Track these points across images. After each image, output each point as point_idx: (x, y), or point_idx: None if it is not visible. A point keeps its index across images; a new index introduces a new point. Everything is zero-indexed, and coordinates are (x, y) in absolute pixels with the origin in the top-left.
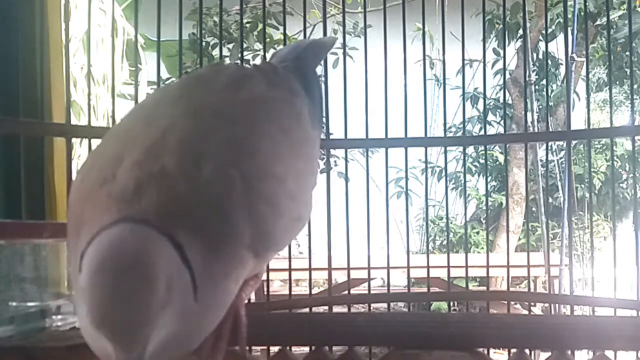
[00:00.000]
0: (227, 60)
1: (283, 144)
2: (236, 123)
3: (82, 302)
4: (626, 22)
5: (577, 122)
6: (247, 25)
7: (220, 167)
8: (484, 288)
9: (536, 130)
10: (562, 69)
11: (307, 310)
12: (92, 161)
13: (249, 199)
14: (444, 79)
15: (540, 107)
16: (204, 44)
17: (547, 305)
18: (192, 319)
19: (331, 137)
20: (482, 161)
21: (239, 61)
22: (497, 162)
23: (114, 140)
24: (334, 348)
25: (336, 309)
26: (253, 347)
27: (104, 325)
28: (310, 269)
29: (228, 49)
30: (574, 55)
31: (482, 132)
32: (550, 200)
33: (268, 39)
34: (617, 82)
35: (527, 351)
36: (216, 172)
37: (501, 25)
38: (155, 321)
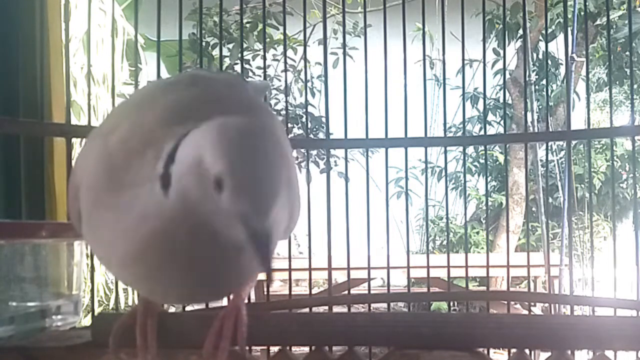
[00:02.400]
0: (227, 60)
1: (286, 142)
2: (255, 110)
3: (193, 177)
4: (626, 22)
5: (577, 122)
6: (247, 25)
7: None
8: (484, 288)
9: (536, 130)
10: (562, 69)
11: (307, 310)
12: (112, 126)
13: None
14: (444, 79)
15: (540, 107)
16: (204, 44)
17: (547, 305)
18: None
19: (331, 137)
20: (482, 161)
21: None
22: (497, 162)
23: (133, 106)
24: (334, 348)
25: (336, 309)
26: (253, 347)
27: (247, 187)
28: (310, 269)
29: (228, 49)
30: (574, 55)
31: (482, 132)
32: (550, 200)
33: (268, 39)
34: (617, 82)
35: (527, 351)
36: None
37: (501, 25)
38: (285, 195)
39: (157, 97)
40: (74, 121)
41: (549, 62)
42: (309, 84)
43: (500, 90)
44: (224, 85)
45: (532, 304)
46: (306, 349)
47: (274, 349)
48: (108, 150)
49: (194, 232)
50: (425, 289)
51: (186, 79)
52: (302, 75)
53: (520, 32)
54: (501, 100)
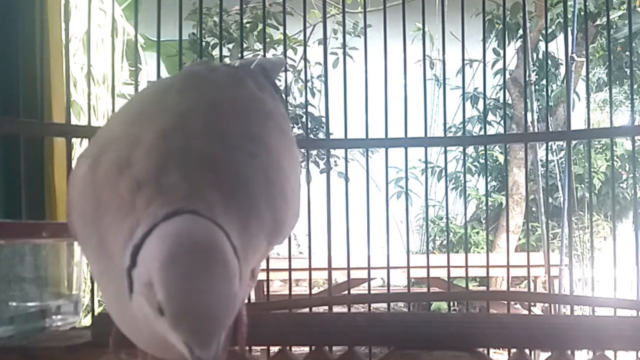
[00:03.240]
0: (227, 60)
1: (283, 143)
2: (248, 118)
3: (144, 296)
4: (626, 22)
5: (577, 122)
6: (247, 25)
7: (246, 158)
8: (484, 288)
9: (536, 130)
10: (562, 69)
11: (307, 310)
12: (103, 144)
13: (268, 190)
14: (444, 79)
15: (540, 107)
16: (204, 44)
17: (547, 305)
18: (237, 305)
19: (331, 137)
20: (482, 161)
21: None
22: (497, 162)
23: (124, 123)
24: (334, 348)
25: (336, 309)
26: (253, 347)
27: (186, 319)
28: (310, 269)
29: (228, 49)
30: (574, 55)
31: (482, 132)
32: (550, 200)
33: (268, 39)
34: (617, 82)
35: (527, 351)
36: (243, 162)
37: (501, 25)
38: (234, 312)
39: (148, 114)
40: (74, 121)
41: (549, 62)
42: (309, 84)
43: (500, 90)
44: (218, 86)
45: (532, 304)
46: (306, 349)
47: (274, 349)
48: (96, 176)
49: (154, 336)
50: (425, 289)
51: (179, 83)
52: (302, 75)
53: (520, 32)
54: (501, 100)
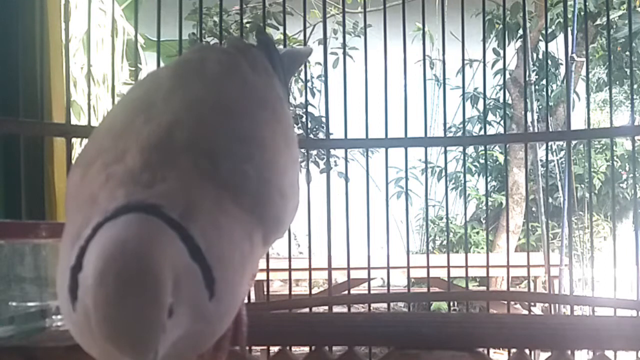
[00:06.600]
0: None
1: (278, 131)
2: (239, 115)
3: (86, 303)
4: (626, 22)
5: (577, 122)
6: (247, 25)
7: (236, 165)
8: (484, 288)
9: (536, 130)
10: (562, 69)
11: (307, 310)
12: (92, 156)
13: (263, 191)
14: (444, 79)
15: (540, 107)
16: (203, 44)
17: (547, 305)
18: (207, 315)
19: (331, 137)
20: (482, 161)
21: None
22: (497, 162)
23: (110, 137)
24: (334, 348)
25: (336, 309)
26: (253, 347)
27: (112, 341)
28: (310, 269)
29: None
30: (574, 55)
31: (482, 132)
32: (550, 200)
33: None
34: (617, 82)
35: (527, 351)
36: (233, 170)
37: (501, 25)
38: (164, 331)
39: (135, 124)
40: (74, 121)
41: (549, 62)
42: (309, 84)
43: (500, 90)
44: (208, 80)
45: (532, 304)
46: (306, 349)
47: (274, 349)
48: (83, 179)
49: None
50: (425, 289)
51: (168, 81)
52: (302, 75)
53: (520, 32)
54: (501, 100)
